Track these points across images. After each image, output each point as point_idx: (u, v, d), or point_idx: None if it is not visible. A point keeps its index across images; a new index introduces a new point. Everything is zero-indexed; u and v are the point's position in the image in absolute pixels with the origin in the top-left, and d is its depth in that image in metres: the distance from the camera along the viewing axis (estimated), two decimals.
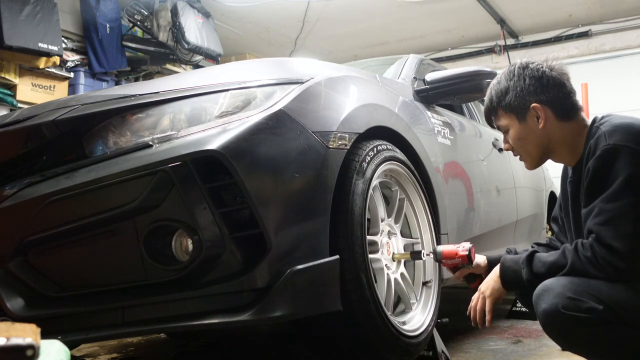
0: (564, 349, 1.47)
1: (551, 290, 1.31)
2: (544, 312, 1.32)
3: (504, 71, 1.56)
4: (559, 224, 1.67)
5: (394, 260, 1.85)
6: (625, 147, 1.31)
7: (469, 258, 1.64)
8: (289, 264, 1.39)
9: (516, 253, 1.56)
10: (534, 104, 1.47)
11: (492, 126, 1.65)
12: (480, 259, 1.68)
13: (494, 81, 1.58)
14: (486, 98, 1.59)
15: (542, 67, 1.49)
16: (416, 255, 1.80)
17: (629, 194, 1.29)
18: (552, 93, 1.47)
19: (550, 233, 2.89)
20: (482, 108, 3.81)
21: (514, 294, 1.68)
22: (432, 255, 1.73)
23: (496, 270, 1.51)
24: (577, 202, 1.47)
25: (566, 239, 1.60)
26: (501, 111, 1.54)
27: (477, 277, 1.67)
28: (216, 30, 5.69)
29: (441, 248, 1.69)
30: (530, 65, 1.50)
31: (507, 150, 1.60)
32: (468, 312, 1.59)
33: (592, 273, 1.31)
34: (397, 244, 1.92)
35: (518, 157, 1.59)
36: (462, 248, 1.65)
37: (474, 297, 1.57)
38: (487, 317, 1.52)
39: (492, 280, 1.52)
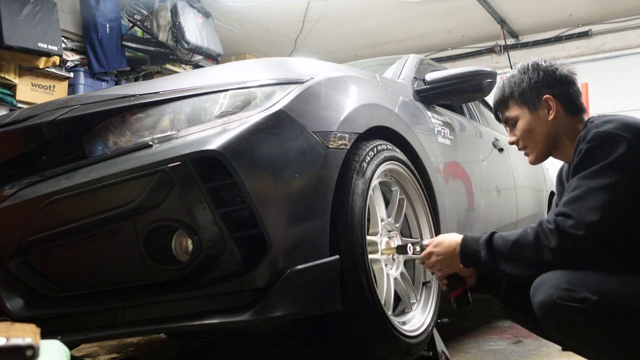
0: (560, 341, 1.46)
1: (547, 282, 1.33)
2: (539, 304, 1.33)
3: (516, 68, 1.62)
4: None
5: (382, 255, 1.82)
6: (614, 134, 1.35)
7: None
8: (289, 264, 1.39)
9: None
10: (546, 96, 1.53)
11: (498, 119, 1.68)
12: None
13: (506, 76, 1.63)
14: (497, 91, 1.64)
15: (554, 64, 1.57)
16: (402, 249, 1.72)
17: (607, 175, 1.33)
18: (563, 88, 1.54)
19: None
20: (483, 108, 3.81)
21: (496, 304, 1.65)
22: (418, 248, 1.64)
23: (455, 248, 1.50)
24: None
25: None
26: (513, 102, 1.59)
27: (461, 282, 1.60)
28: (216, 30, 5.69)
29: (427, 241, 1.63)
30: (543, 62, 1.58)
31: (512, 143, 1.62)
32: (421, 261, 1.60)
33: (552, 245, 1.33)
34: (397, 244, 1.91)
35: (523, 151, 1.61)
36: None
37: (425, 255, 1.56)
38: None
39: (451, 259, 1.51)
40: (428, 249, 1.56)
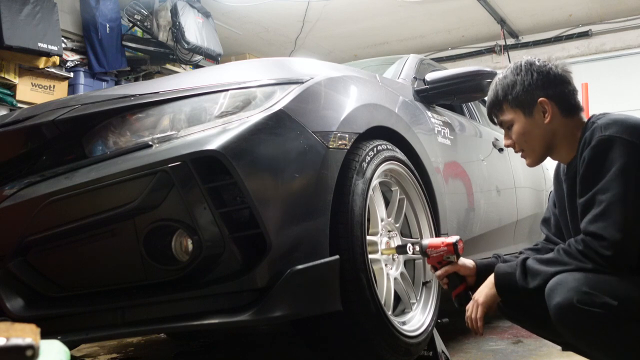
0: (572, 343, 1.45)
1: (565, 283, 1.30)
2: (557, 306, 1.29)
3: (509, 67, 1.56)
4: (550, 227, 1.66)
5: (382, 255, 1.82)
6: (619, 138, 1.33)
7: (455, 247, 1.58)
8: (289, 264, 1.39)
9: (504, 260, 1.56)
10: (541, 98, 1.48)
11: (493, 122, 1.64)
12: (467, 261, 1.64)
13: (499, 76, 1.57)
14: (490, 93, 1.59)
15: (548, 64, 1.51)
16: (402, 249, 1.74)
17: (621, 183, 1.31)
18: (558, 89, 1.49)
19: None
20: (483, 108, 3.81)
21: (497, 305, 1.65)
22: (417, 248, 1.65)
23: (490, 277, 1.50)
24: (574, 197, 1.47)
25: (560, 240, 1.59)
26: (507, 105, 1.54)
27: (462, 281, 1.61)
28: (216, 30, 5.69)
29: (427, 240, 1.64)
30: (537, 61, 1.52)
31: (508, 146, 1.59)
32: (466, 322, 1.57)
33: (584, 265, 1.31)
34: (397, 244, 1.91)
35: (520, 153, 1.58)
36: (449, 239, 1.60)
37: (469, 306, 1.55)
38: (479, 324, 1.51)
39: (486, 287, 1.51)
40: (473, 303, 1.53)
